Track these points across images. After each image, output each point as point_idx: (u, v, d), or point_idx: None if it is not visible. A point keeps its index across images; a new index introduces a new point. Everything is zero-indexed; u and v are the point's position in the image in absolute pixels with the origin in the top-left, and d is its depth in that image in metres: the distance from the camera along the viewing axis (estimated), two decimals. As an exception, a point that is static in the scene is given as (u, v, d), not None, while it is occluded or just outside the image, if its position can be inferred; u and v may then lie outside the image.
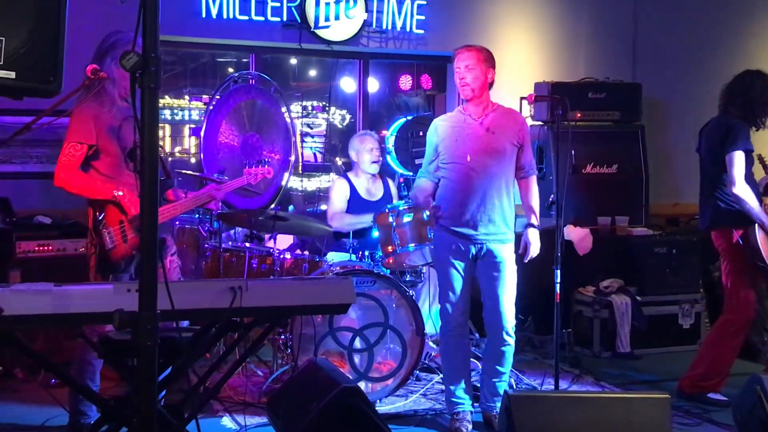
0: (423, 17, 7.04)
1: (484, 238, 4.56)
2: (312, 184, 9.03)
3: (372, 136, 6.00)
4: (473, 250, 4.58)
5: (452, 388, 4.67)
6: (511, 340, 4.62)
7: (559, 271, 4.54)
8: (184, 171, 5.96)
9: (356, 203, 5.81)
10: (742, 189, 4.89)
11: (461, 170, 4.58)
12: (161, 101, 9.76)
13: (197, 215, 5.95)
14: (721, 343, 5.13)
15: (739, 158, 4.90)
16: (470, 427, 4.59)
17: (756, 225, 4.93)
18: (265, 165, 4.89)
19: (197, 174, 5.65)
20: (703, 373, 5.16)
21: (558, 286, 4.56)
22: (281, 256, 5.43)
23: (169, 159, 9.74)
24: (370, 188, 5.90)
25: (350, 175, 5.93)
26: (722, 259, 5.18)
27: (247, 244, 5.75)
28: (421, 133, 7.04)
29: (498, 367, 4.65)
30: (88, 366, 4.13)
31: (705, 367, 5.17)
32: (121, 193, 4.02)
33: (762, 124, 5.08)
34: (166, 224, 4.33)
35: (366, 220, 5.58)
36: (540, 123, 6.89)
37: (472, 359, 5.28)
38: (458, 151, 4.60)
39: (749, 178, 4.98)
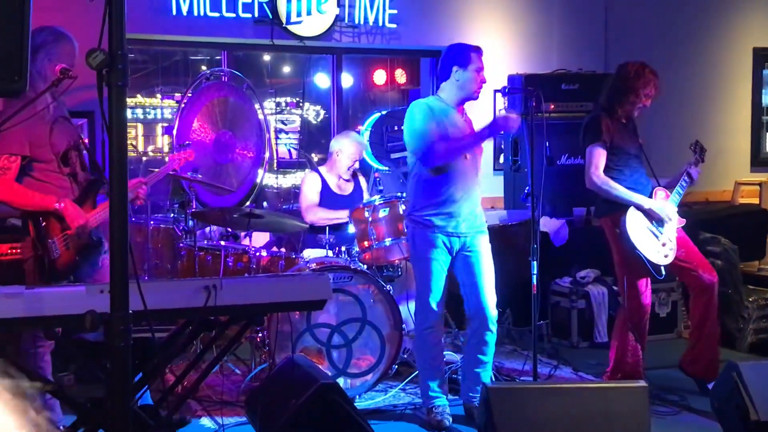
0: (395, 11, 7.03)
1: (467, 231, 4.57)
2: (287, 180, 9.00)
3: (360, 143, 5.94)
4: (457, 245, 4.58)
5: (430, 383, 4.65)
6: (494, 329, 4.65)
7: (535, 263, 4.55)
8: (152, 169, 5.89)
9: (327, 197, 5.78)
10: (598, 180, 4.92)
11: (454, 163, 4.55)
12: (133, 100, 9.73)
13: (172, 214, 5.90)
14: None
15: (595, 152, 4.94)
16: (451, 419, 4.59)
17: (627, 211, 4.94)
18: (187, 148, 4.79)
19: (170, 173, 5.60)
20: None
21: (535, 277, 4.56)
22: (257, 254, 5.40)
23: (143, 159, 9.67)
24: (341, 183, 5.87)
25: (322, 169, 5.90)
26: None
27: (223, 243, 5.72)
28: (396, 128, 7.04)
29: (481, 357, 4.66)
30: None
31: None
32: (63, 204, 3.86)
33: (624, 113, 5.08)
34: (102, 225, 4.07)
35: (341, 215, 5.54)
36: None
37: (451, 352, 5.30)
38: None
39: (631, 169, 5.02)
